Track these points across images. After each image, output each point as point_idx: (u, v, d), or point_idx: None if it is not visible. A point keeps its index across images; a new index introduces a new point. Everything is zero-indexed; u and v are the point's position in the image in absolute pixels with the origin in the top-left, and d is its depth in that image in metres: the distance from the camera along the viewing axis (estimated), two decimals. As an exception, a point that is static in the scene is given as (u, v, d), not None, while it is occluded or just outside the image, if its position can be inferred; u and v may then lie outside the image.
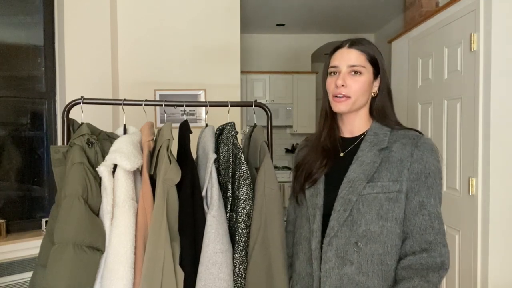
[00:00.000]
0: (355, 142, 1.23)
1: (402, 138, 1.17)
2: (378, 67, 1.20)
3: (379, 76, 1.21)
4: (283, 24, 5.14)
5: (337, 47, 1.22)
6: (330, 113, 1.26)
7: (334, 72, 1.20)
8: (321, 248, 1.14)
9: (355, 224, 1.11)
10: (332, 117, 1.26)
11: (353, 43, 1.19)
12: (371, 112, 1.23)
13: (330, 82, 1.21)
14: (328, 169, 1.21)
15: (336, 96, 1.18)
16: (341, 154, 1.23)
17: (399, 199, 1.11)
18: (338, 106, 1.19)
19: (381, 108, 1.22)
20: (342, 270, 1.11)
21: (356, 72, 1.17)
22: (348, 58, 1.17)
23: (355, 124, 1.24)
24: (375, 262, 1.10)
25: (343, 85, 1.16)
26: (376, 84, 1.21)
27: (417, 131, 1.20)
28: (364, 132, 1.23)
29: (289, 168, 5.50)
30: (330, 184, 1.19)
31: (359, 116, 1.23)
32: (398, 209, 1.11)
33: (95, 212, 1.26)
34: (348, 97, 1.17)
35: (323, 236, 1.15)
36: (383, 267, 1.11)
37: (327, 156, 1.22)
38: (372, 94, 1.22)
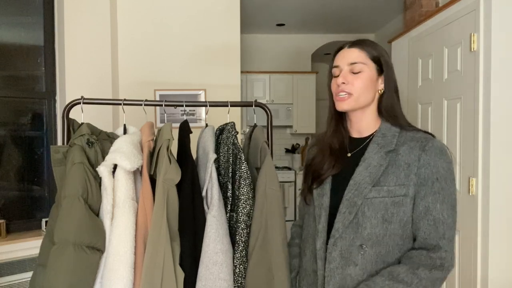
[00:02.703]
0: (363, 143, 1.21)
1: (410, 140, 1.14)
2: (381, 63, 1.19)
3: (383, 73, 1.20)
4: (283, 24, 5.14)
5: (339, 48, 1.23)
6: (336, 113, 1.26)
7: (336, 73, 1.21)
8: (326, 247, 1.15)
9: (360, 227, 1.12)
10: (339, 117, 1.26)
11: (354, 43, 1.20)
12: (380, 111, 1.22)
13: (333, 82, 1.22)
14: (336, 170, 1.21)
15: (338, 95, 1.19)
16: (348, 155, 1.23)
17: (405, 203, 1.11)
18: (340, 105, 1.19)
19: (390, 107, 1.20)
20: (345, 271, 1.12)
21: (356, 69, 1.17)
22: (348, 56, 1.18)
23: (362, 123, 1.23)
24: (379, 262, 1.11)
25: (343, 83, 1.17)
26: (381, 81, 1.20)
27: (428, 132, 1.18)
28: (373, 133, 1.21)
29: (289, 168, 5.50)
30: (336, 185, 1.20)
31: (365, 115, 1.21)
32: (403, 212, 1.11)
33: (95, 212, 1.27)
34: (351, 94, 1.17)
35: (328, 236, 1.16)
36: (385, 265, 1.12)
37: (336, 157, 1.22)
38: (379, 91, 1.20)
